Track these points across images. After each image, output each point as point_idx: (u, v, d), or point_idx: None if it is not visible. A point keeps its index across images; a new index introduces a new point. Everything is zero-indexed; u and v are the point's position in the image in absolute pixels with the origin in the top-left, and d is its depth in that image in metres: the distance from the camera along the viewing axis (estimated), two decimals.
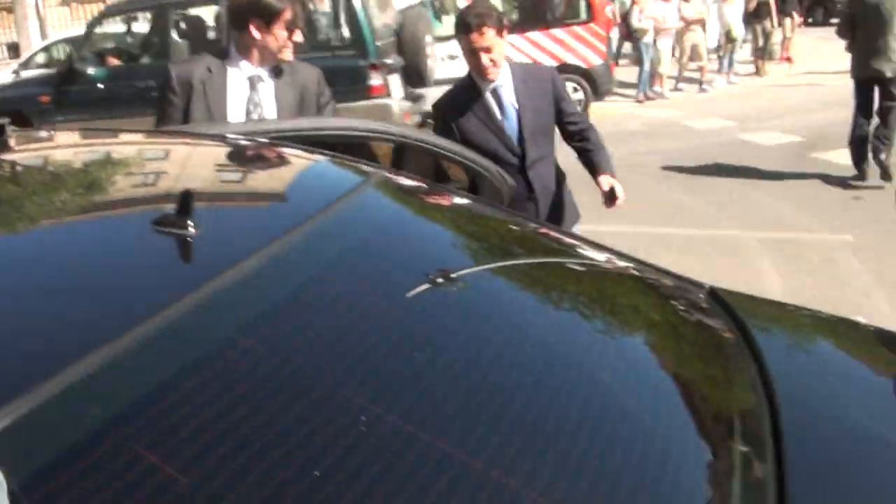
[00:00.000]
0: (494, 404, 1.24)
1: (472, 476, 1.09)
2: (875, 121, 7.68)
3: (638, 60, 14.31)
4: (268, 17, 3.24)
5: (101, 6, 21.13)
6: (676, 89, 14.68)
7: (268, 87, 3.34)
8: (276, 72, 3.36)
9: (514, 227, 2.03)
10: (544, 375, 1.37)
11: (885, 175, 7.62)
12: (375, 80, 9.13)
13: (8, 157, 1.95)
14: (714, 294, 1.76)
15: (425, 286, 1.43)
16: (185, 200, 1.36)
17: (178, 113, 3.31)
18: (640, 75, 14.12)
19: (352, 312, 1.35)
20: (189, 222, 1.35)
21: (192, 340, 1.15)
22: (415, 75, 9.90)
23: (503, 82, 3.54)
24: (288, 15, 3.25)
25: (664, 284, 1.84)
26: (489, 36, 3.40)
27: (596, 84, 12.10)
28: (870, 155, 7.67)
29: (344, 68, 8.72)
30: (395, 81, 9.54)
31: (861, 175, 7.73)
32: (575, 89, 12.08)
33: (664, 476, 1.20)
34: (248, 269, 1.29)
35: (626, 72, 15.44)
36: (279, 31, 3.26)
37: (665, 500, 1.17)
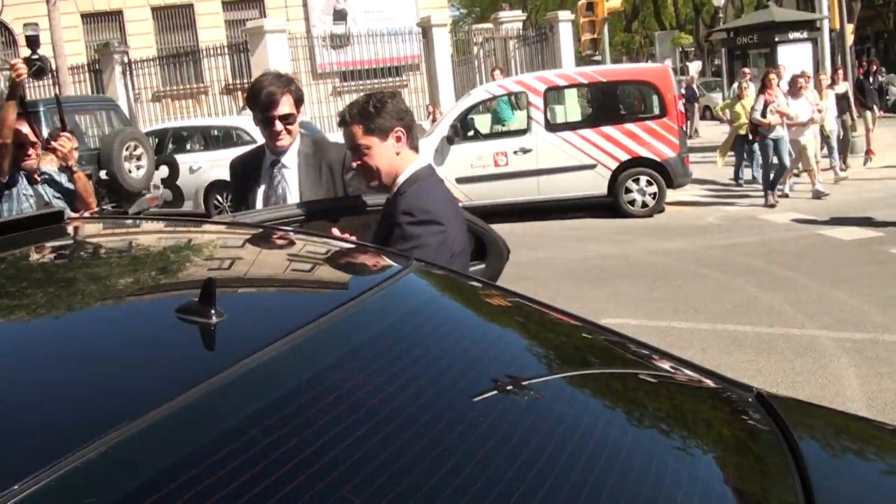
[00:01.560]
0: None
1: None
2: None
3: (763, 159, 12.72)
4: (253, 110, 3.37)
5: (192, 102, 21.75)
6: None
7: (290, 172, 3.40)
8: (298, 156, 3.41)
9: (556, 324, 1.97)
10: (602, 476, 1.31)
11: None
12: None
13: (59, 242, 2.02)
14: (761, 398, 1.67)
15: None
16: (208, 288, 1.36)
17: (239, 199, 3.46)
18: (764, 176, 12.60)
19: (351, 400, 1.30)
20: (212, 310, 1.35)
21: (203, 427, 1.13)
22: (115, 185, 10.97)
23: None
24: (271, 110, 3.29)
25: (710, 388, 1.76)
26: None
27: (670, 177, 12.06)
28: None
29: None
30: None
31: None
32: (649, 182, 12.06)
33: None
34: (263, 358, 1.26)
35: (701, 168, 15.33)
36: (267, 122, 3.32)
37: None
